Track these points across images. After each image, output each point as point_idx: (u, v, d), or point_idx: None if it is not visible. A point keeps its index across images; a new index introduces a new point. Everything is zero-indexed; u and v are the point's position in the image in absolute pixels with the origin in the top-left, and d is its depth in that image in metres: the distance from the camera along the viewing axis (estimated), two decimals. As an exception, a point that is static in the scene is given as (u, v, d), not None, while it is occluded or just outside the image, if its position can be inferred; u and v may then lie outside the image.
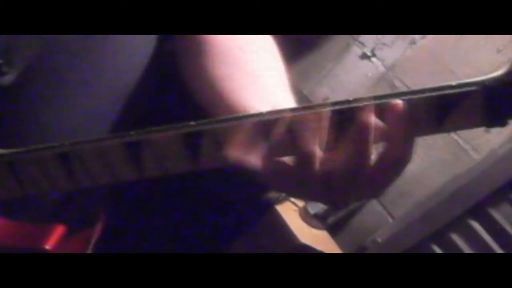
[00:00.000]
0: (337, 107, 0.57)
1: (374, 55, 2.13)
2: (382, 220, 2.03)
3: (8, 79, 0.73)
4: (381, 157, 0.60)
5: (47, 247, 0.78)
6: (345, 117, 0.57)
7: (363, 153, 0.59)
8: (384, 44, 2.09)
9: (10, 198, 0.66)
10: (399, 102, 0.57)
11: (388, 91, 2.02)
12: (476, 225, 1.79)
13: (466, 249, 1.79)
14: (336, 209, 2.02)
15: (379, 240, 1.97)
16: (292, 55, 2.23)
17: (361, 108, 0.57)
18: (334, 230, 2.11)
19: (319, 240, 2.02)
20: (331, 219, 2.08)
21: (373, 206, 2.05)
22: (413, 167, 1.91)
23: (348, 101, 0.57)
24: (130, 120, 0.85)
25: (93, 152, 0.60)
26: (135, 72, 0.84)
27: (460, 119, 0.56)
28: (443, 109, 0.55)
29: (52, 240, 0.78)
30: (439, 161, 1.90)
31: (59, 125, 0.79)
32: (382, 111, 0.57)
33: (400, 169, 0.62)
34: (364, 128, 0.58)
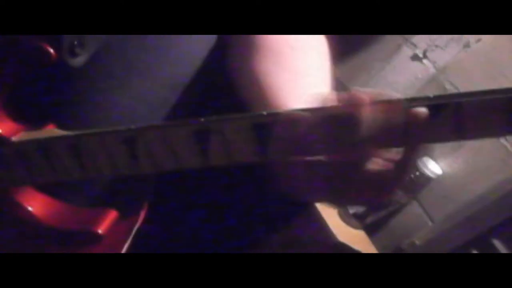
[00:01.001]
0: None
1: (425, 56, 2.10)
2: (422, 223, 2.01)
3: (80, 60, 0.73)
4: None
5: (100, 231, 0.78)
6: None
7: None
8: (436, 46, 2.06)
9: (70, 180, 0.67)
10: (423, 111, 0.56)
11: (437, 93, 2.00)
12: (519, 232, 1.76)
13: (508, 256, 1.76)
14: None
15: (417, 242, 1.95)
16: (342, 53, 2.22)
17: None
18: (372, 230, 2.10)
19: (356, 239, 2.02)
20: (369, 219, 2.07)
21: (413, 208, 2.04)
22: (457, 171, 1.91)
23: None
24: (186, 110, 0.86)
25: (160, 138, 0.60)
26: (193, 65, 0.85)
27: None
28: None
29: (105, 225, 0.79)
30: (486, 166, 1.87)
31: (117, 108, 0.80)
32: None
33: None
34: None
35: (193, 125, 0.58)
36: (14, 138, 0.67)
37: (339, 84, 2.17)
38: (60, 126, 0.71)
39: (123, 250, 0.79)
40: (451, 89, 1.99)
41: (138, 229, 0.89)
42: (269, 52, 0.81)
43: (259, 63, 0.80)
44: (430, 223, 1.99)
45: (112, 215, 0.80)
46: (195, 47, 0.85)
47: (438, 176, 1.95)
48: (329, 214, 2.01)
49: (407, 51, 2.16)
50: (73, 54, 0.72)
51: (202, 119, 0.58)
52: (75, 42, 0.71)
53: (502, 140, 1.82)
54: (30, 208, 0.76)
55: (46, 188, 0.76)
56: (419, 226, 2.00)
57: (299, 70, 0.79)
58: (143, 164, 0.62)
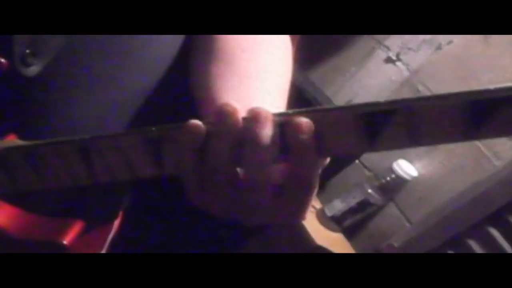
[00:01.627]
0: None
1: (399, 59, 2.12)
2: (399, 225, 2.02)
3: (33, 70, 0.72)
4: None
5: (65, 242, 0.77)
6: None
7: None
8: (409, 48, 2.08)
9: (28, 191, 0.66)
10: (303, 120, 0.54)
11: (411, 95, 2.02)
12: (494, 232, 1.77)
13: (484, 256, 1.77)
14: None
15: (395, 244, 1.96)
16: (316, 57, 2.23)
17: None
18: (350, 233, 2.11)
19: (335, 242, 2.02)
20: (347, 222, 2.07)
21: (391, 211, 2.04)
22: (433, 173, 1.92)
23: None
24: (151, 117, 0.85)
25: (113, 147, 0.59)
26: (159, 71, 0.84)
27: (497, 126, 0.51)
28: (480, 115, 0.50)
29: (70, 235, 0.78)
30: (460, 167, 1.88)
31: (80, 118, 0.79)
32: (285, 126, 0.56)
33: (308, 192, 0.60)
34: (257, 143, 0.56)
35: (146, 134, 0.58)
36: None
37: (313, 87, 2.17)
38: (22, 137, 0.70)
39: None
40: (424, 91, 2.01)
41: (114, 238, 0.89)
42: (218, 53, 0.80)
43: (211, 66, 0.79)
44: (407, 225, 2.00)
45: (77, 226, 0.79)
46: (161, 54, 0.84)
47: (414, 178, 1.96)
48: (307, 217, 2.01)
49: (381, 54, 2.18)
50: (26, 64, 0.71)
51: (154, 128, 0.58)
52: (27, 51, 0.70)
53: (476, 141, 1.83)
54: (-7, 219, 0.75)
55: (11, 198, 0.75)
56: (396, 227, 2.01)
57: (246, 74, 0.77)
58: (99, 173, 0.62)
